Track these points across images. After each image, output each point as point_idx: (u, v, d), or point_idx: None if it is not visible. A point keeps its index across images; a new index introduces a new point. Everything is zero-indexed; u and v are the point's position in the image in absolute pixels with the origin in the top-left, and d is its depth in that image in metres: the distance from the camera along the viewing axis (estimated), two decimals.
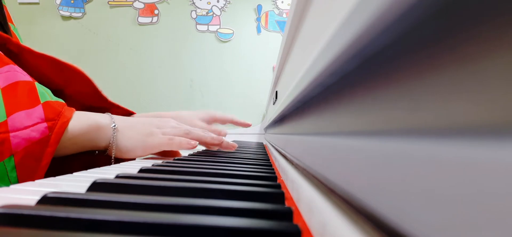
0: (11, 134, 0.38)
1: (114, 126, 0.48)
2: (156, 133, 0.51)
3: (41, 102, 0.42)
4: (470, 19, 0.08)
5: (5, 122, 0.38)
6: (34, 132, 0.39)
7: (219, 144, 0.58)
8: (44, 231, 0.15)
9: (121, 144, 0.49)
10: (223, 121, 0.70)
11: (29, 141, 0.39)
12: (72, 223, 0.16)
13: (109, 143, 0.48)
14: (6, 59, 0.44)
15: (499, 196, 0.06)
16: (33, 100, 0.41)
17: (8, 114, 0.39)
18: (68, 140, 0.43)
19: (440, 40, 0.09)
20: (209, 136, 0.56)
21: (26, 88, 0.42)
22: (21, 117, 0.39)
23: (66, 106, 0.45)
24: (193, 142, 0.52)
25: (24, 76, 0.43)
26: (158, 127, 0.52)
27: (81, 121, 0.45)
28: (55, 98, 0.45)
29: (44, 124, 0.40)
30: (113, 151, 0.48)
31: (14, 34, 0.60)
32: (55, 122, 0.41)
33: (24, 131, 0.39)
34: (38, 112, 0.41)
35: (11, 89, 0.41)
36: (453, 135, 0.08)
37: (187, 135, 0.53)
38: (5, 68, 0.42)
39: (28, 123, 0.39)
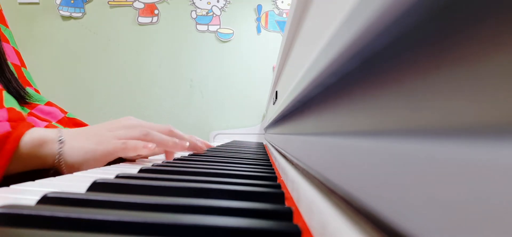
0: None
1: (61, 139, 0.41)
2: (108, 138, 0.44)
3: (6, 107, 0.43)
4: (470, 19, 0.08)
5: None
6: None
7: (183, 149, 0.52)
8: (44, 231, 0.15)
9: (70, 159, 0.41)
10: (181, 138, 0.67)
11: None
12: (72, 223, 0.16)
13: (55, 159, 0.41)
14: None
15: (499, 196, 0.06)
16: None
17: None
18: (16, 157, 0.38)
19: (440, 40, 0.09)
20: (172, 140, 0.49)
21: None
22: None
23: (25, 119, 0.46)
24: (150, 145, 0.44)
25: None
26: (110, 130, 0.45)
27: (26, 138, 0.39)
28: (20, 109, 0.47)
29: (7, 123, 0.39)
30: (63, 168, 0.41)
31: (4, 36, 0.60)
32: (17, 123, 0.40)
33: None
34: (3, 112, 0.41)
35: None
36: (453, 135, 0.08)
37: (145, 136, 0.45)
38: None
39: None
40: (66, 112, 0.65)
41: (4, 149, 0.37)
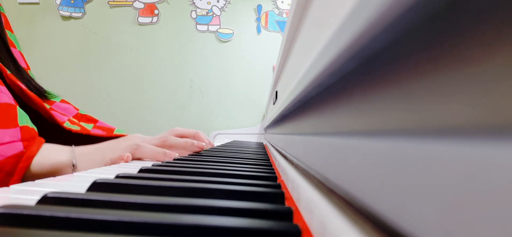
0: None
1: (74, 163, 0.53)
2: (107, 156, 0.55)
3: (20, 125, 0.48)
4: (470, 19, 0.08)
5: None
6: (10, 149, 0.46)
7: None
8: (44, 231, 0.15)
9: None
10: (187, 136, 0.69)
11: (4, 156, 0.45)
12: (72, 223, 0.16)
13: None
14: None
15: (498, 196, 0.06)
16: (13, 122, 0.48)
17: None
18: (33, 173, 0.48)
19: (439, 40, 0.09)
20: (162, 152, 0.56)
21: (8, 110, 0.48)
22: (1, 135, 0.46)
23: (37, 135, 0.51)
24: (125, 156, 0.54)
25: (8, 99, 0.49)
26: (112, 149, 0.56)
27: (43, 162, 0.49)
28: (32, 125, 0.51)
29: (20, 143, 0.47)
30: None
31: (11, 41, 0.62)
32: (30, 143, 0.48)
33: (1, 146, 0.45)
34: (16, 132, 0.47)
35: None
36: (453, 135, 0.08)
37: (135, 150, 0.56)
38: None
39: (6, 140, 0.46)
40: (78, 109, 0.72)
41: (18, 167, 0.46)
